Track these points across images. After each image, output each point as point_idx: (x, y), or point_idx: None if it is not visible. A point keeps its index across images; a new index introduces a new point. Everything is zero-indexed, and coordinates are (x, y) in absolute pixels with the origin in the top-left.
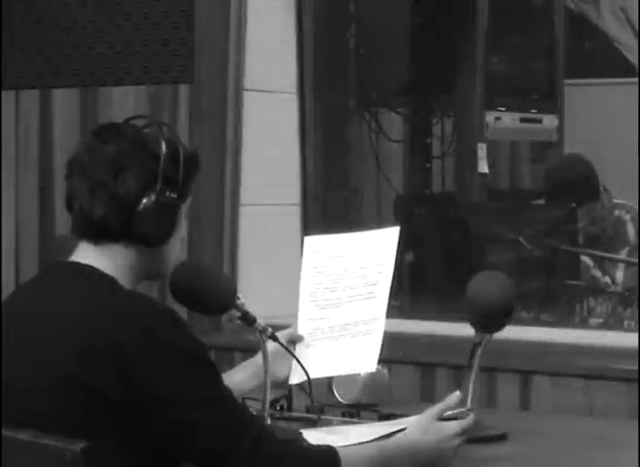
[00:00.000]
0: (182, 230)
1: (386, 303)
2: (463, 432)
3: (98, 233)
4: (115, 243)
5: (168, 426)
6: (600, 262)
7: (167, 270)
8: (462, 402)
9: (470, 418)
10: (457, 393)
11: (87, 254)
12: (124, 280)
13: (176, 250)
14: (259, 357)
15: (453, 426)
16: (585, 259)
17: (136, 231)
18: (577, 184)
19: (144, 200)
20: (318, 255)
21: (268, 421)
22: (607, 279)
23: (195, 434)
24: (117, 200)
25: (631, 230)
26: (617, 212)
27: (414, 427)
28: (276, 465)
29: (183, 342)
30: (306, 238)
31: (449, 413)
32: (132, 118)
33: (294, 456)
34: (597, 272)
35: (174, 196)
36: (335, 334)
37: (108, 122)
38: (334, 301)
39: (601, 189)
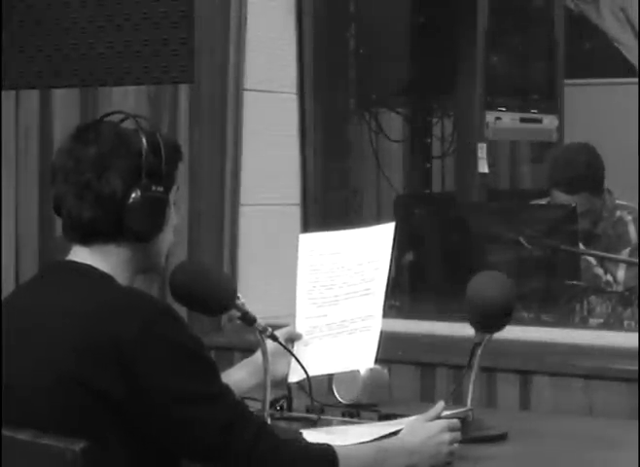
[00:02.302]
0: (173, 219)
1: (383, 299)
2: (452, 428)
3: (89, 236)
4: (107, 243)
5: (168, 423)
6: (602, 260)
7: (162, 262)
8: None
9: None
10: (441, 403)
11: (82, 255)
12: (120, 277)
13: (169, 240)
14: (257, 356)
15: (439, 422)
16: (587, 257)
17: (127, 228)
18: (581, 170)
19: (131, 198)
20: (314, 252)
21: (269, 421)
22: (609, 277)
23: (195, 430)
24: (104, 201)
25: (633, 230)
26: (618, 213)
27: (406, 430)
28: (276, 461)
29: (181, 339)
30: (301, 236)
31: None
32: (108, 114)
33: (293, 453)
34: (599, 271)
35: (160, 189)
36: (332, 331)
37: (85, 123)
38: (331, 298)
39: (605, 187)
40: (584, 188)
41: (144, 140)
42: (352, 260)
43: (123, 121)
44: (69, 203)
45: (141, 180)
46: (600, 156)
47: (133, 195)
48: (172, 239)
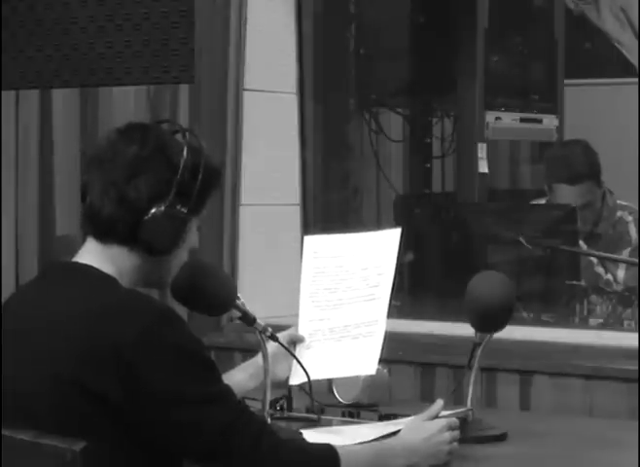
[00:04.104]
0: (191, 241)
1: (387, 305)
2: (451, 427)
3: (105, 232)
4: (120, 245)
5: (169, 424)
6: (602, 260)
7: (168, 280)
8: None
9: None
10: (440, 401)
11: (90, 253)
12: (124, 281)
13: (181, 260)
14: (259, 358)
15: (439, 421)
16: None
17: (141, 238)
18: (580, 160)
19: (153, 210)
20: (318, 255)
21: (269, 421)
22: (609, 276)
23: (196, 431)
24: (126, 204)
25: (633, 231)
26: (619, 213)
27: (406, 429)
28: (277, 461)
29: (182, 341)
30: (306, 238)
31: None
32: (162, 121)
33: (294, 453)
34: (600, 269)
35: (184, 210)
36: (335, 335)
37: (137, 121)
38: (334, 302)
39: (606, 187)
40: (585, 177)
41: (185, 156)
42: (357, 264)
43: (175, 132)
44: (94, 194)
45: (169, 196)
46: (595, 150)
47: (156, 208)
48: (185, 259)
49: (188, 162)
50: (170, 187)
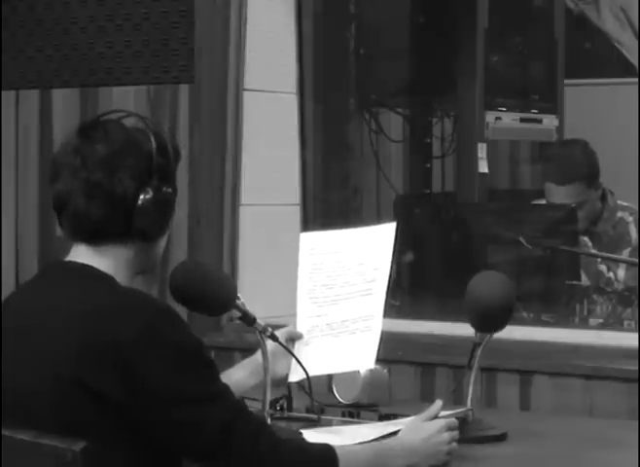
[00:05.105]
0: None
1: (384, 299)
2: (450, 427)
3: (96, 236)
4: (113, 243)
5: (168, 423)
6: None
7: (159, 262)
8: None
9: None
10: (439, 401)
11: (84, 254)
12: (121, 277)
13: (166, 240)
14: (257, 356)
15: (438, 421)
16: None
17: (136, 228)
18: (574, 160)
19: (141, 198)
20: (315, 251)
21: (269, 421)
22: (611, 275)
23: (195, 430)
24: (114, 201)
25: (634, 231)
26: (620, 214)
27: (405, 429)
28: (276, 460)
29: (180, 339)
30: (302, 235)
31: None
32: (108, 112)
33: (293, 452)
34: (603, 267)
35: (169, 189)
36: (333, 331)
37: (89, 120)
38: (332, 297)
39: (606, 187)
40: (576, 177)
41: (153, 139)
42: (353, 259)
43: (123, 117)
44: (76, 202)
45: (152, 180)
46: (594, 151)
47: (143, 195)
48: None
49: (156, 145)
50: (150, 172)
